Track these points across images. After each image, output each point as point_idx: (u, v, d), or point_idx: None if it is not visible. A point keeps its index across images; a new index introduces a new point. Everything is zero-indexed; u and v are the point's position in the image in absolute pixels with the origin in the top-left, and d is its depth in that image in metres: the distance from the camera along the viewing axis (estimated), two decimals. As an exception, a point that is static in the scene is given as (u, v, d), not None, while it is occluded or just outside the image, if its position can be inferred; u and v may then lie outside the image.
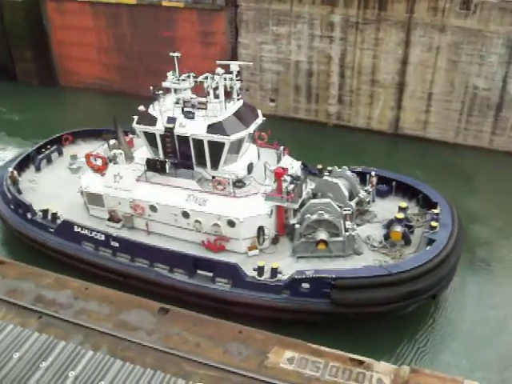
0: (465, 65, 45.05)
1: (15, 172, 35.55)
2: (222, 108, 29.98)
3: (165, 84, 30.94)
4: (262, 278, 27.70)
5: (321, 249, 28.88)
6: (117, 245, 30.42)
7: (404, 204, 31.34)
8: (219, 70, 30.03)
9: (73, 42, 59.40)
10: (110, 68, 59.71)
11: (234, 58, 50.64)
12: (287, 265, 28.55)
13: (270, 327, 21.35)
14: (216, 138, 29.30)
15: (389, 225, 30.28)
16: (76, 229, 31.33)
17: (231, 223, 29.23)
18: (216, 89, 30.24)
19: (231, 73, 30.83)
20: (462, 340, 28.54)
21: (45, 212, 32.66)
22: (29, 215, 32.92)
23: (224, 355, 19.09)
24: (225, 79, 30.04)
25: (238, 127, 29.83)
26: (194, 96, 30.90)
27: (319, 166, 34.47)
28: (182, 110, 30.01)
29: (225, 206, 29.37)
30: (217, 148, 29.72)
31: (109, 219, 32.26)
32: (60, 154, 39.53)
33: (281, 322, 26.13)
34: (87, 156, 32.57)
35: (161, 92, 31.00)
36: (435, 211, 30.39)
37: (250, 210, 29.26)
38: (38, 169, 37.86)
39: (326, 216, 28.64)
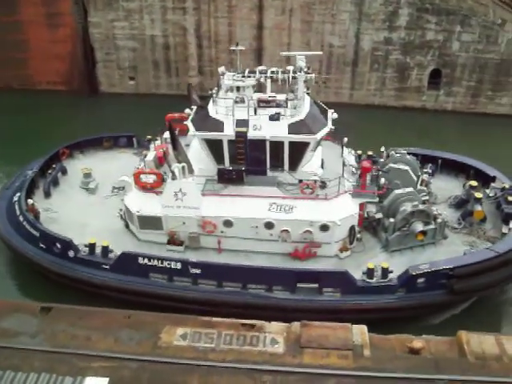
0: (318, 24, 46.90)
1: (35, 203, 30.54)
2: (301, 105, 27.73)
3: (227, 82, 27.83)
4: (373, 281, 26.32)
5: (419, 239, 28.24)
6: (198, 271, 26.83)
7: (475, 183, 30.99)
8: (301, 64, 27.57)
9: None
10: None
11: (86, 38, 49.21)
12: (384, 261, 27.41)
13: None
14: (300, 137, 26.91)
15: (459, 204, 30.65)
16: (141, 260, 27.18)
17: (325, 227, 27.35)
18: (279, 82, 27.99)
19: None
20: None
21: (91, 246, 27.98)
22: (70, 253, 28.12)
23: (116, 344, 18.79)
24: (307, 73, 27.51)
25: (320, 123, 27.83)
26: (263, 94, 28.66)
27: (370, 153, 33.48)
28: (255, 110, 27.11)
29: (316, 210, 27.36)
30: (299, 148, 27.36)
31: (168, 243, 28.77)
32: (64, 172, 34.12)
33: (395, 321, 25.40)
34: (136, 174, 28.92)
35: (214, 92, 28.48)
36: (506, 185, 30.89)
37: (344, 211, 27.57)
38: (47, 194, 32.28)
39: (421, 206, 28.14)
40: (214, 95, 28.31)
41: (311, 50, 47.70)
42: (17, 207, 30.43)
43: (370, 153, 33.43)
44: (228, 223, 27.66)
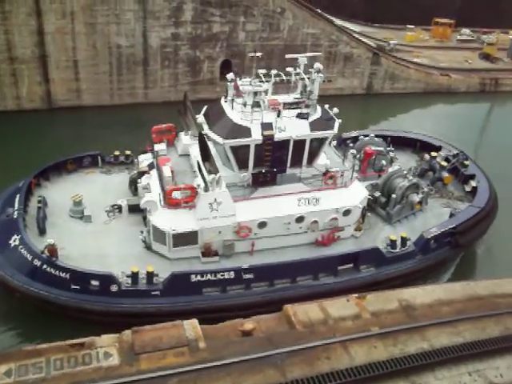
0: (103, 26, 46.58)
1: (55, 243, 27.32)
2: (316, 104, 29.70)
3: (246, 88, 28.25)
4: (397, 250, 29.95)
5: (418, 208, 32.75)
6: (251, 276, 27.62)
7: (435, 153, 37.14)
8: (318, 65, 29.53)
9: None
10: None
11: None
12: (391, 232, 31.21)
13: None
14: (321, 134, 29.18)
15: (422, 174, 35.94)
16: (194, 278, 26.91)
17: (347, 212, 30.10)
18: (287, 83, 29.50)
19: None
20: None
21: (134, 276, 26.63)
22: (113, 288, 26.37)
23: None
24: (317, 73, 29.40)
25: (333, 119, 29.91)
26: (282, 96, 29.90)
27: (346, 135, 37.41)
28: (279, 113, 28.25)
29: (339, 198, 29.95)
30: (318, 144, 29.58)
31: (203, 255, 28.55)
32: (45, 204, 30.75)
33: (414, 279, 29.53)
34: (169, 192, 27.97)
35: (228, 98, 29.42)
36: (456, 152, 37.43)
37: (360, 195, 30.78)
38: (42, 231, 29.29)
39: (415, 180, 32.58)
40: (229, 101, 29.52)
41: (98, 52, 47.44)
42: (25, 251, 27.46)
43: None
44: (262, 224, 28.93)
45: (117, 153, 34.72)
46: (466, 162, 36.84)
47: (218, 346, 19.66)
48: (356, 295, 23.13)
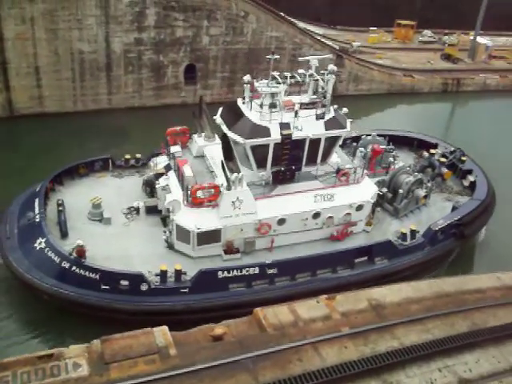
0: (65, 32, 46.10)
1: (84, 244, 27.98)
2: (330, 103, 31.02)
3: (264, 90, 29.51)
4: (407, 242, 31.45)
5: (423, 203, 34.72)
6: (275, 271, 28.78)
7: (434, 151, 38.79)
8: (331, 67, 31.10)
9: None
10: None
11: None
12: (399, 226, 32.88)
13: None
14: (336, 132, 30.72)
15: (421, 170, 36.69)
16: (221, 275, 27.89)
17: (360, 207, 31.57)
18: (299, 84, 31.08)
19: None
20: None
21: (163, 274, 27.31)
22: (143, 287, 27.03)
23: None
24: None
25: (345, 118, 31.48)
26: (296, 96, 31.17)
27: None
28: (296, 113, 29.48)
29: (352, 194, 31.40)
30: (332, 143, 31.25)
31: (225, 252, 29.52)
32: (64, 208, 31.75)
33: (423, 270, 31.94)
34: (194, 191, 28.74)
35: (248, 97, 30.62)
36: (452, 149, 39.56)
37: (371, 190, 32.24)
38: (65, 235, 29.91)
39: (420, 175, 34.45)
40: (247, 102, 30.76)
41: (60, 58, 46.97)
42: (52, 254, 28.07)
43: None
44: (281, 221, 30.10)
45: (127, 156, 35.62)
46: (463, 158, 39.04)
47: (189, 352, 19.63)
48: (325, 296, 23.32)
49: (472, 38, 73.98)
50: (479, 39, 73.53)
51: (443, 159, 38.40)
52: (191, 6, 49.32)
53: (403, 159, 37.81)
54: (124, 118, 48.68)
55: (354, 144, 36.79)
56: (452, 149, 39.98)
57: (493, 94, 68.78)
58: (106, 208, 31.38)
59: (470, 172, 38.15)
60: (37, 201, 30.86)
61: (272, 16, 53.88)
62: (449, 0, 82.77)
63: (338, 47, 62.86)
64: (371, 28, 77.10)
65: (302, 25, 61.50)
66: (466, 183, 37.88)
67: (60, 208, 30.98)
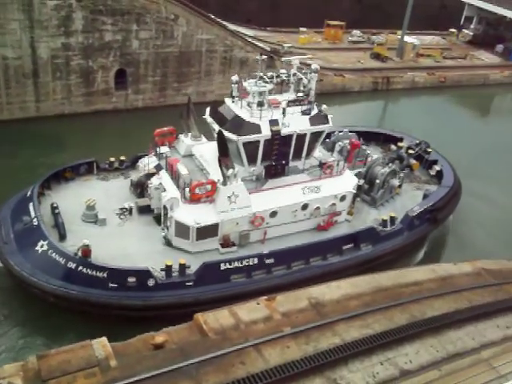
0: (-14, 37, 44.27)
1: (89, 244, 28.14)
2: (314, 100, 32.81)
3: (254, 89, 31.21)
4: (388, 228, 33.54)
5: (397, 192, 37.38)
6: (272, 261, 30.04)
7: (401, 144, 41.76)
8: (315, 66, 33.18)
9: None
10: None
11: None
12: (377, 214, 35.27)
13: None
14: (320, 127, 32.49)
15: (390, 161, 37.66)
16: (223, 266, 28.94)
17: (343, 198, 33.49)
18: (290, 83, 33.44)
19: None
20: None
21: (168, 269, 28.09)
22: (150, 282, 27.68)
23: None
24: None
25: (327, 114, 32.99)
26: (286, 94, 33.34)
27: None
28: (284, 110, 30.66)
29: (336, 185, 33.28)
30: (316, 137, 33.05)
31: (222, 246, 30.64)
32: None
33: (403, 253, 34.46)
34: (193, 187, 29.74)
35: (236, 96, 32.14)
36: (418, 141, 42.34)
37: (353, 181, 34.23)
38: (63, 237, 30.01)
39: (394, 166, 36.55)
40: (236, 101, 32.17)
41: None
42: (56, 255, 28.21)
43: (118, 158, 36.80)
44: (274, 214, 31.55)
45: (112, 159, 36.01)
46: (429, 149, 42.08)
47: (129, 362, 19.26)
48: (265, 297, 23.39)
49: (399, 37, 75.97)
50: (406, 38, 75.50)
51: (411, 151, 41.03)
52: (120, 9, 48.55)
53: (371, 153, 39.75)
54: (54, 125, 47.41)
55: (327, 140, 38.32)
56: (417, 141, 42.75)
57: (421, 90, 70.96)
58: (98, 210, 31.78)
59: (435, 162, 41.10)
60: (31, 205, 30.95)
61: (202, 19, 53.70)
62: (376, 1, 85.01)
63: (269, 48, 63.22)
64: (301, 29, 77.89)
65: (232, 27, 61.56)
66: (432, 172, 40.83)
67: (56, 211, 31.16)
